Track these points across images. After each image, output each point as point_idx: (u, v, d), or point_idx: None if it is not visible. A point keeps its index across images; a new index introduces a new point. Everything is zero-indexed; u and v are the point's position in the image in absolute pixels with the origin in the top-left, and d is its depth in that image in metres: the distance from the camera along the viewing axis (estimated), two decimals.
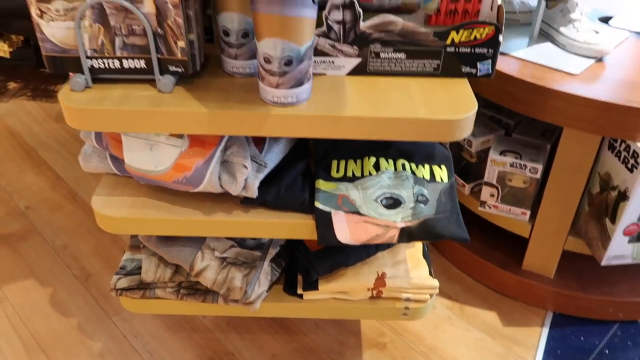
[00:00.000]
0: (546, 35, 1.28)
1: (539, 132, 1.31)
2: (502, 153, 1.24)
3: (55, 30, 0.74)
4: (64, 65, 0.77)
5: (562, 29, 1.23)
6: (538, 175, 1.21)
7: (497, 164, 1.24)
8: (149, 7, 0.72)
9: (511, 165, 1.22)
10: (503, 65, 1.17)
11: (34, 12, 0.73)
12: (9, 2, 1.57)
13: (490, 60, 0.83)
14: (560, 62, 1.17)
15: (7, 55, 1.83)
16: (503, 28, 0.80)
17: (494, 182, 1.26)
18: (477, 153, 1.32)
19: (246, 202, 0.85)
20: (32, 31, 1.71)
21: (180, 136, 0.80)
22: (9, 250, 1.40)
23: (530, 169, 1.21)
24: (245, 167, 0.80)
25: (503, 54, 1.21)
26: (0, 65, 2.05)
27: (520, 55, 1.21)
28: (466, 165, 1.36)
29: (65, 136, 1.84)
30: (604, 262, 1.18)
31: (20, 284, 1.31)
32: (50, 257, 1.38)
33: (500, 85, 1.16)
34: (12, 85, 2.10)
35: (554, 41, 1.26)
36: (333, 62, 0.82)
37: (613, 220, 1.13)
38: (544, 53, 1.22)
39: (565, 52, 1.22)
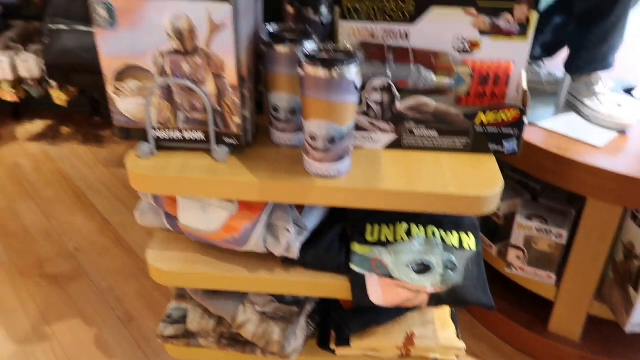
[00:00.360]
0: (572, 106, 1.35)
1: (565, 197, 1.36)
2: (528, 217, 1.29)
3: (127, 105, 0.84)
4: (133, 135, 0.87)
5: (586, 101, 1.30)
6: (563, 241, 1.25)
7: (524, 228, 1.29)
8: (210, 88, 0.82)
9: (537, 230, 1.27)
10: (530, 135, 1.23)
11: (110, 89, 0.83)
12: (71, 59, 1.71)
13: (515, 140, 0.90)
14: (585, 134, 1.23)
15: (64, 104, 1.98)
16: (527, 111, 0.87)
17: (521, 245, 1.31)
18: (504, 215, 1.38)
19: (287, 262, 0.93)
20: (89, 84, 1.84)
21: (231, 200, 0.89)
22: (59, 290, 1.50)
23: (555, 235, 1.25)
24: (288, 230, 0.88)
25: (530, 123, 1.28)
26: (56, 112, 2.21)
27: (547, 125, 1.27)
28: (493, 226, 1.41)
29: (113, 181, 1.96)
30: (627, 329, 1.20)
31: (68, 323, 1.40)
32: (96, 298, 1.47)
33: (526, 153, 1.22)
34: (65, 130, 2.25)
35: (579, 112, 1.32)
36: (371, 137, 0.91)
37: (636, 288, 1.16)
38: (569, 124, 1.28)
39: (590, 124, 1.28)
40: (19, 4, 1.82)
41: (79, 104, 2.11)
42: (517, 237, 1.31)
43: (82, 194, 1.90)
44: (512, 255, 1.34)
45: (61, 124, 2.28)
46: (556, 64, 1.51)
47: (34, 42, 2.00)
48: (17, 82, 1.95)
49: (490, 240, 1.42)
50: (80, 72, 1.75)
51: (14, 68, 1.91)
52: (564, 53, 1.36)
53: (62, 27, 1.69)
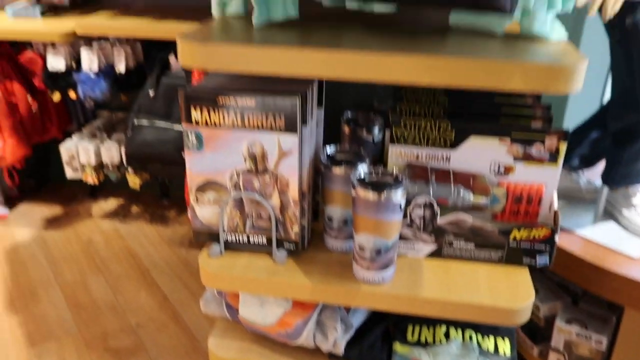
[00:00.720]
0: (610, 214, 1.42)
1: (605, 302, 1.40)
2: (568, 322, 1.33)
3: (204, 213, 0.99)
4: (206, 237, 1.01)
5: (624, 212, 1.36)
6: (603, 348, 1.28)
7: (563, 332, 1.33)
8: (275, 201, 0.96)
9: (577, 335, 1.31)
10: (568, 243, 1.30)
11: (192, 198, 0.98)
12: (148, 150, 1.92)
13: (547, 255, 0.98)
14: (622, 244, 1.29)
15: (137, 188, 2.19)
16: (559, 229, 0.96)
17: (561, 349, 1.35)
18: (545, 317, 1.42)
19: (333, 357, 1.02)
20: (161, 173, 2.03)
21: (286, 298, 1.00)
22: None
23: (595, 341, 1.29)
24: (336, 329, 0.97)
25: (569, 231, 1.35)
26: (128, 192, 2.43)
27: (585, 233, 1.34)
28: (534, 326, 1.45)
29: (175, 260, 2.11)
30: None
31: None
32: None
33: (564, 260, 1.29)
34: (135, 209, 2.46)
35: (617, 221, 1.39)
36: (414, 247, 1.01)
37: None
38: (607, 233, 1.34)
39: (628, 234, 1.34)
40: (107, 99, 2.07)
41: (149, 186, 2.31)
42: (558, 340, 1.35)
43: (146, 270, 2.06)
44: (553, 358, 1.37)
45: (132, 203, 2.50)
46: (595, 172, 1.59)
47: (116, 131, 2.25)
48: (99, 167, 2.18)
49: (531, 341, 1.45)
50: (155, 162, 1.96)
51: (97, 154, 2.15)
52: (602, 162, 1.44)
53: (144, 122, 1.92)
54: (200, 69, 0.86)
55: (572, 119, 1.83)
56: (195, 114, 0.90)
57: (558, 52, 0.80)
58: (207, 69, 0.81)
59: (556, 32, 0.85)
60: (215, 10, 0.98)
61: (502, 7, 0.69)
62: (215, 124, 0.90)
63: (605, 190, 1.41)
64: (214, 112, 0.89)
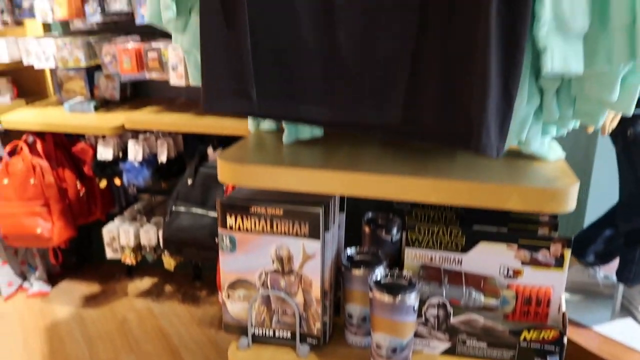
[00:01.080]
0: (627, 310, 1.45)
1: None
2: None
3: (235, 308, 1.08)
4: (236, 330, 1.09)
5: None
6: None
7: None
8: (299, 299, 1.04)
9: None
10: (585, 339, 1.33)
11: (224, 294, 1.08)
12: (184, 235, 2.05)
13: (557, 356, 1.03)
14: (639, 342, 1.32)
15: (171, 269, 2.30)
16: (567, 331, 1.02)
17: None
18: None
19: None
20: (196, 256, 2.14)
21: None
22: None
23: None
24: None
25: (585, 327, 1.39)
26: (162, 271, 2.54)
27: (602, 330, 1.37)
28: None
29: (205, 340, 2.18)
30: None
31: None
32: None
33: (583, 358, 1.32)
34: (168, 288, 2.57)
35: (634, 317, 1.41)
36: (429, 344, 1.07)
37: None
38: (624, 330, 1.37)
39: None
40: (148, 186, 2.23)
41: (183, 266, 2.42)
42: None
43: (177, 350, 2.13)
44: None
45: (165, 283, 2.60)
46: (613, 267, 1.62)
47: (155, 214, 2.40)
48: (137, 248, 2.31)
49: None
50: (190, 246, 2.08)
51: (136, 236, 2.29)
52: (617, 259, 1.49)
53: (181, 208, 2.06)
54: (238, 185, 0.98)
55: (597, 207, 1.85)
56: (230, 220, 1.01)
57: (554, 173, 0.89)
58: (244, 185, 0.93)
59: (553, 152, 0.95)
60: (250, 126, 1.12)
61: (490, 154, 0.80)
62: (247, 229, 1.01)
63: (621, 287, 1.44)
64: (247, 219, 1.00)
